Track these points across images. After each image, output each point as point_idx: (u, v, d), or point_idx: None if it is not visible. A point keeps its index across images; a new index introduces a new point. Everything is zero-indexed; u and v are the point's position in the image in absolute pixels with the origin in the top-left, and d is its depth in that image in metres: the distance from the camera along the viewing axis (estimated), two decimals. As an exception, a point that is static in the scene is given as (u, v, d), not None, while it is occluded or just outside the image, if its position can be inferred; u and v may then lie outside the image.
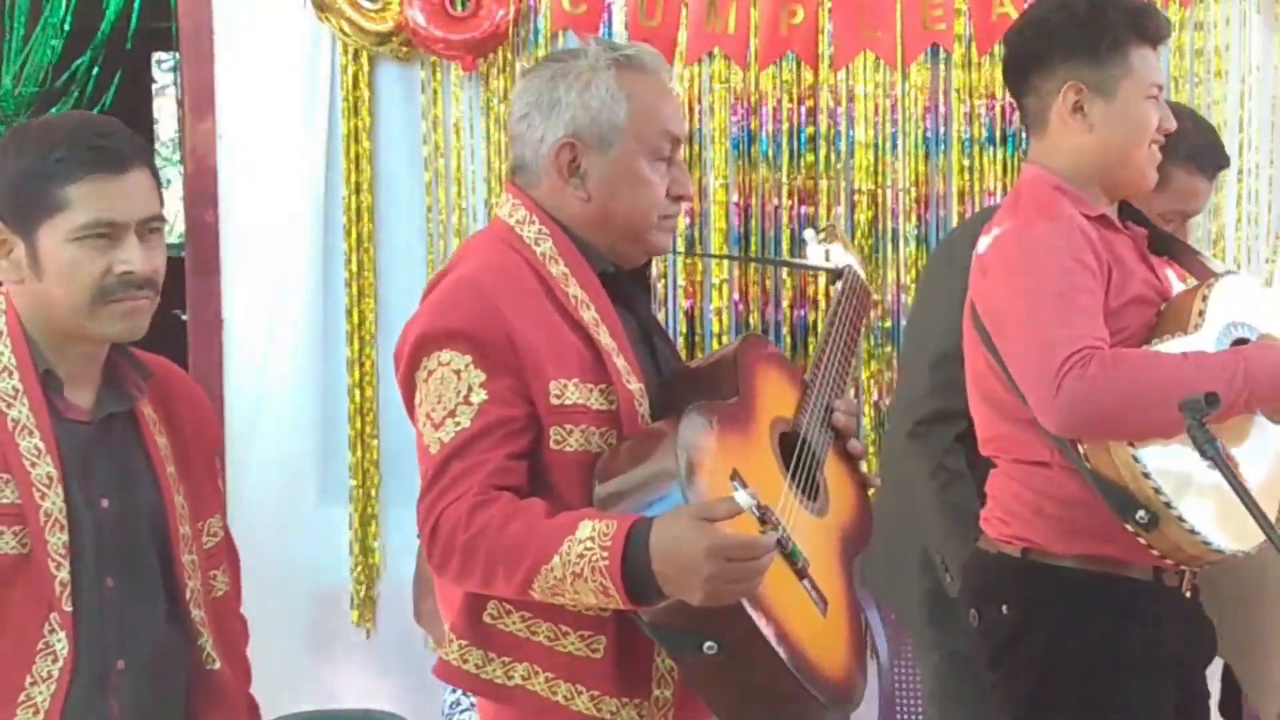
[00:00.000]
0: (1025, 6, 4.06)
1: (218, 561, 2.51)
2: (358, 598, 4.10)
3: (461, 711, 3.65)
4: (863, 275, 2.84)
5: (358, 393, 4.07)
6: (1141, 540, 2.65)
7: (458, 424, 2.25)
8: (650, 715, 2.32)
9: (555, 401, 2.28)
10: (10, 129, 2.42)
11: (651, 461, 2.24)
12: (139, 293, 2.29)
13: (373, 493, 4.10)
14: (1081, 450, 2.66)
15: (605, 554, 2.12)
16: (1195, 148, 3.22)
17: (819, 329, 4.11)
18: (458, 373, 2.27)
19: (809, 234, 3.03)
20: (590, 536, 2.14)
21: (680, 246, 4.06)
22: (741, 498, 2.11)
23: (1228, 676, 3.51)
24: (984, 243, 2.81)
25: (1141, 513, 2.60)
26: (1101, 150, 2.79)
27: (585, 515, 2.18)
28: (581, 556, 2.13)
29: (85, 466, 2.32)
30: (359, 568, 4.10)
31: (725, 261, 4.09)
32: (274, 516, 4.00)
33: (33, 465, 2.27)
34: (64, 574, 2.26)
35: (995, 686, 2.87)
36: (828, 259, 2.88)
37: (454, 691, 3.69)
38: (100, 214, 2.27)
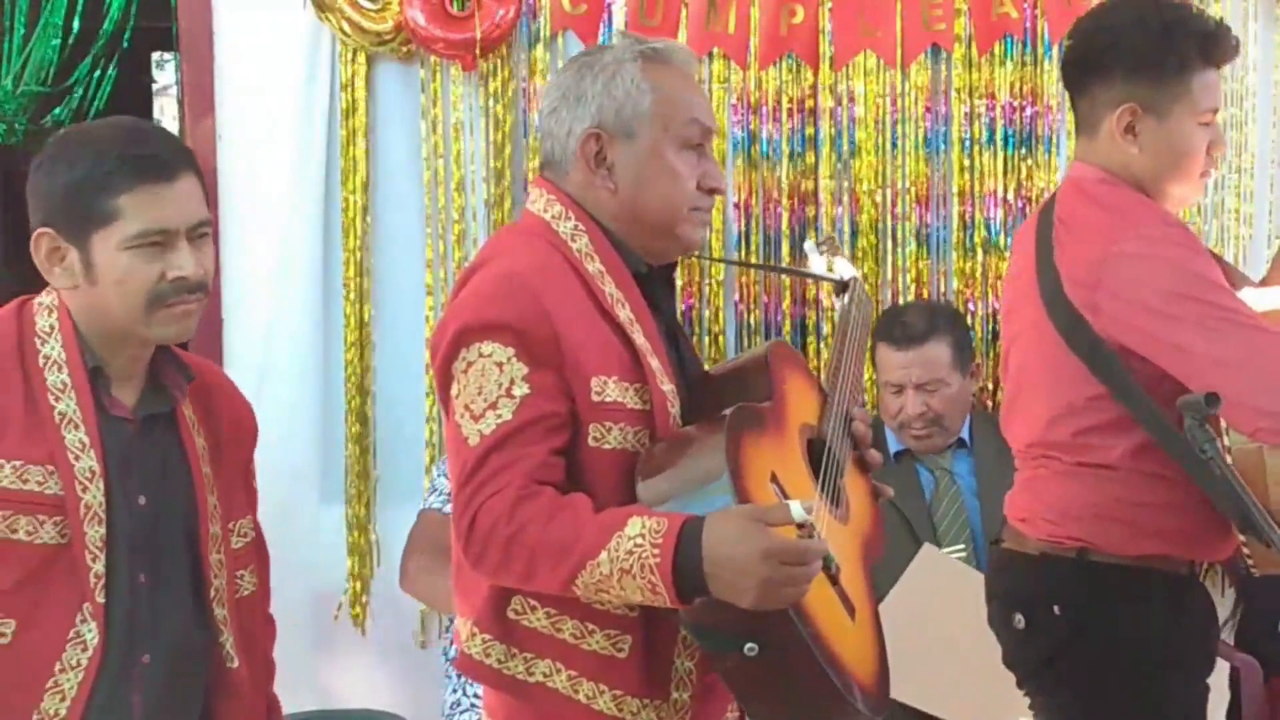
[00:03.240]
0: (1025, 6, 4.09)
1: (246, 562, 2.57)
2: (355, 597, 4.10)
3: (462, 712, 3.65)
4: (864, 287, 2.87)
5: (356, 393, 4.07)
6: (1240, 538, 2.66)
7: (499, 416, 2.23)
8: (668, 718, 2.31)
9: (596, 398, 2.28)
10: (54, 139, 2.45)
11: (698, 461, 2.24)
12: (190, 296, 2.36)
13: (370, 492, 4.10)
14: (1230, 461, 2.60)
15: (656, 551, 2.11)
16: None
17: (819, 330, 4.12)
18: (500, 365, 2.25)
19: (809, 245, 3.06)
20: (640, 533, 2.13)
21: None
22: (796, 509, 2.10)
23: (1235, 681, 3.51)
24: (1089, 251, 2.73)
25: None
26: (1146, 170, 2.78)
27: (634, 512, 2.17)
28: (631, 553, 2.12)
29: (126, 463, 2.39)
30: (357, 567, 4.10)
31: (724, 260, 4.09)
32: (273, 515, 3.96)
33: (76, 459, 2.33)
34: (99, 566, 2.33)
35: (1055, 684, 2.84)
36: (830, 270, 2.92)
37: (454, 691, 3.69)
38: (152, 223, 2.33)
